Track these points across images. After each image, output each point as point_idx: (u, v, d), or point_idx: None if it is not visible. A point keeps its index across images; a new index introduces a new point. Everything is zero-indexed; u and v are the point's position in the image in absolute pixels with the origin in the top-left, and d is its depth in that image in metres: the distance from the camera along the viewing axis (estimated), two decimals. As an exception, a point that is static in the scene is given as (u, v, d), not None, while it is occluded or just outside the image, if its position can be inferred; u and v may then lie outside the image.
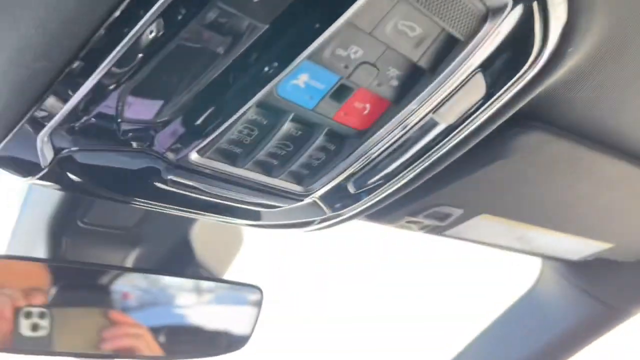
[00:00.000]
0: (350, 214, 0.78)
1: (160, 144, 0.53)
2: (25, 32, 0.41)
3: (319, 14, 0.45)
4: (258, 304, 0.88)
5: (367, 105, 0.57)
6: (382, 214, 0.92)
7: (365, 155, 0.62)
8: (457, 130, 0.64)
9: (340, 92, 0.54)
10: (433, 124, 0.62)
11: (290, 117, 0.54)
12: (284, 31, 0.45)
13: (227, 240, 1.09)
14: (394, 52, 0.51)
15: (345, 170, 0.64)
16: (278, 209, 0.70)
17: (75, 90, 0.44)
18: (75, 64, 0.42)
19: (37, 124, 0.47)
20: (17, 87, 0.45)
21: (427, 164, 0.68)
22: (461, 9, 0.50)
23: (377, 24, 0.47)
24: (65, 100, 0.45)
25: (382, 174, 0.68)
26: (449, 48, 0.53)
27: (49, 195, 0.83)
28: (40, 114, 0.46)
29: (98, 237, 0.85)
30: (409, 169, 0.68)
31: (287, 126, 0.55)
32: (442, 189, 0.87)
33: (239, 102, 0.50)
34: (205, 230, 1.05)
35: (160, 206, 0.65)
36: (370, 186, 0.71)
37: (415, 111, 0.58)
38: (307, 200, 0.70)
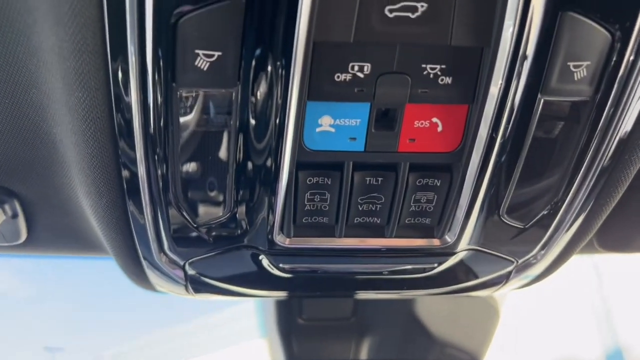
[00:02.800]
0: (552, 254, 0.59)
1: (244, 238, 0.53)
2: None
3: (278, 50, 0.39)
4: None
5: (436, 120, 0.44)
6: (622, 238, 0.66)
7: (486, 178, 0.47)
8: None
9: (383, 120, 0.44)
10: (555, 107, 0.43)
11: (350, 167, 0.46)
12: (258, 84, 0.40)
13: (479, 315, 0.95)
14: (411, 46, 0.39)
15: (473, 203, 0.49)
16: (434, 270, 0.58)
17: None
18: None
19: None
20: None
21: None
22: None
23: (354, 20, 0.37)
24: None
25: (536, 189, 0.50)
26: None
27: (265, 305, 0.90)
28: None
29: (322, 331, 0.86)
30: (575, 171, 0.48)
31: (358, 178, 0.47)
32: None
33: (270, 169, 0.46)
34: (445, 307, 0.94)
35: (308, 294, 0.63)
36: (538, 211, 0.52)
37: (511, 99, 0.41)
38: (462, 251, 0.56)
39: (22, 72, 0.45)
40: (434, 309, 0.91)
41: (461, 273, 0.59)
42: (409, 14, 0.37)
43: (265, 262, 0.54)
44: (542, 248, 0.57)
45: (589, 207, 0.53)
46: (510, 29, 0.37)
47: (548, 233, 0.54)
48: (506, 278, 0.62)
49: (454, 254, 0.56)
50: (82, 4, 0.36)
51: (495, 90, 0.40)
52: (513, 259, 0.58)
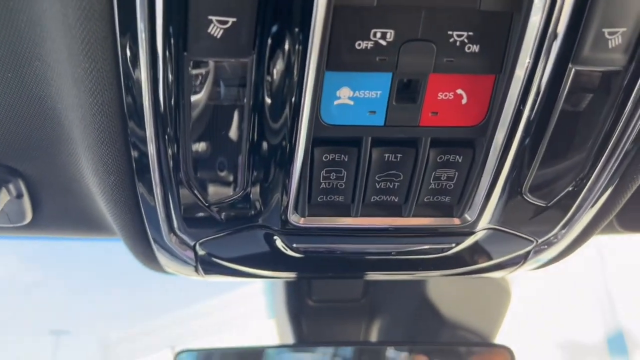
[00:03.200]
0: (573, 234, 0.57)
1: (257, 217, 0.51)
2: None
3: (295, 15, 0.36)
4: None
5: (460, 92, 0.42)
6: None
7: (510, 154, 0.45)
8: None
9: (405, 91, 0.41)
10: (587, 79, 0.41)
11: (368, 142, 0.44)
12: (274, 53, 0.38)
13: (490, 297, 0.93)
14: (437, 11, 0.37)
15: (496, 180, 0.47)
16: (452, 250, 0.56)
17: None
18: None
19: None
20: None
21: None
22: None
23: None
24: None
25: (561, 166, 0.48)
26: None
27: (274, 285, 0.89)
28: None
29: (332, 312, 0.86)
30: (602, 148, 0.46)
31: (376, 155, 0.45)
32: None
33: (285, 146, 0.44)
34: (456, 289, 0.93)
35: (320, 275, 0.61)
36: (562, 188, 0.50)
37: (541, 68, 0.39)
38: (481, 230, 0.54)
39: (24, 43, 0.43)
40: (444, 290, 0.90)
41: (479, 253, 0.57)
42: None
43: (278, 242, 0.53)
44: (564, 227, 0.55)
45: (614, 184, 0.51)
46: None
47: (570, 211, 0.53)
48: (524, 258, 0.60)
49: (472, 233, 0.54)
50: None
51: (525, 58, 0.38)
52: (533, 239, 0.56)
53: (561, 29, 0.37)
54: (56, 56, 0.42)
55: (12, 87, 0.46)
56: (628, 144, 0.46)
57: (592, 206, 0.53)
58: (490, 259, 0.59)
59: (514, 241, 0.56)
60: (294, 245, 0.53)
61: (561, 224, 0.54)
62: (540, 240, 0.57)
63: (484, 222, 0.52)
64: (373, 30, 0.37)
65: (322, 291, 0.83)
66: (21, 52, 0.43)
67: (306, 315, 0.84)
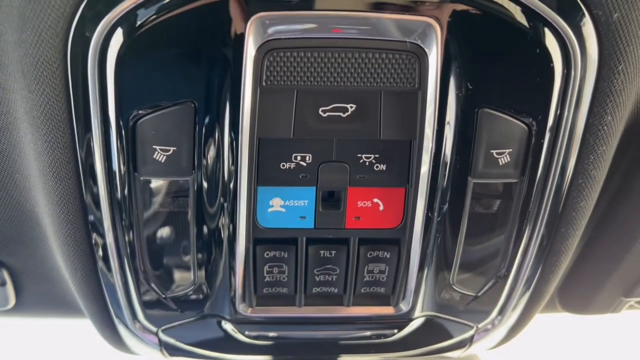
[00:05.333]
0: (511, 319, 0.61)
1: (210, 307, 0.56)
2: None
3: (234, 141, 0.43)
4: None
5: (377, 201, 0.48)
6: (582, 299, 0.68)
7: (429, 251, 0.50)
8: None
9: (329, 200, 0.48)
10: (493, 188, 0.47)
11: (303, 241, 0.50)
12: (212, 172, 0.45)
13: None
14: (344, 141, 0.44)
15: (423, 272, 0.52)
16: (394, 336, 0.60)
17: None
18: None
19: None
20: None
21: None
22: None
23: (293, 120, 0.42)
24: None
25: (481, 260, 0.53)
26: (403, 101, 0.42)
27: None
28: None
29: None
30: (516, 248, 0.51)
31: (312, 251, 0.51)
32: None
33: (228, 246, 0.50)
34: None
35: (279, 358, 0.65)
36: (486, 280, 0.55)
37: (441, 182, 0.46)
38: (419, 317, 0.58)
39: (6, 160, 0.50)
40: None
41: (423, 337, 0.61)
42: (340, 114, 0.41)
43: (231, 330, 0.58)
44: (499, 313, 0.59)
45: (536, 277, 0.55)
46: (432, 124, 0.42)
47: (501, 301, 0.57)
48: (469, 341, 0.64)
49: (411, 320, 0.58)
50: (52, 109, 0.41)
51: (425, 176, 0.44)
52: (472, 324, 0.60)
53: (452, 151, 0.43)
54: (31, 172, 0.49)
55: None
56: (537, 241, 0.51)
57: (521, 297, 0.57)
58: (437, 341, 0.63)
59: (454, 326, 0.61)
60: (246, 332, 0.58)
61: (495, 311, 0.59)
62: (480, 325, 0.61)
63: (419, 310, 0.57)
64: (294, 154, 0.44)
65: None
66: (4, 167, 0.51)
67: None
